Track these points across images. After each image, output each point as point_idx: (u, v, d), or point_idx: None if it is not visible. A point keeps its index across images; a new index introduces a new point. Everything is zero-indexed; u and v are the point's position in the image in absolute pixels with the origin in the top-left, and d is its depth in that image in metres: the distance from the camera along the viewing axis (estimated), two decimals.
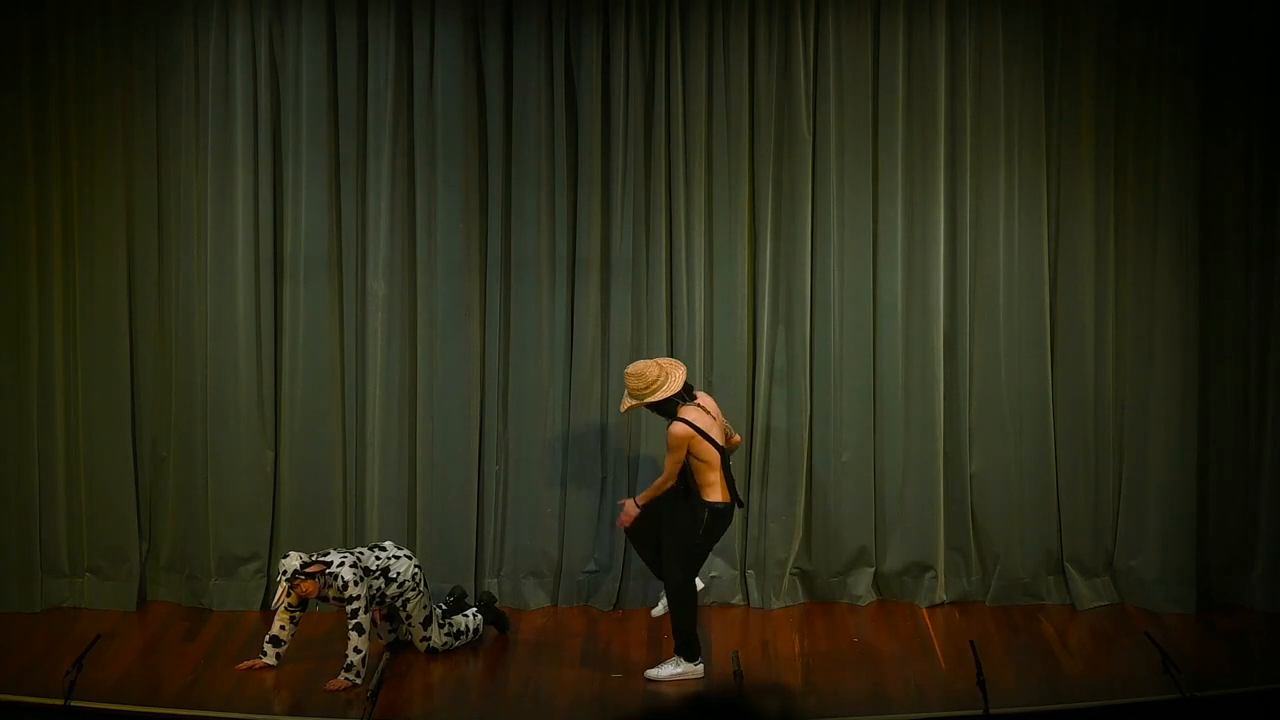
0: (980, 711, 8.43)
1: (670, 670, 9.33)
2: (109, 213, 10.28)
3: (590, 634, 9.90)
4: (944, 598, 10.46)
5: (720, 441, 9.24)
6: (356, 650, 9.21)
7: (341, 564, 9.28)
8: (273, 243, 10.37)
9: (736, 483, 9.57)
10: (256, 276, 10.33)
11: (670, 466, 9.21)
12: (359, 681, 9.15)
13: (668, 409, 9.25)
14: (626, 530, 9.51)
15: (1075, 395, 10.42)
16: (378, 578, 9.45)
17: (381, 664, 8.57)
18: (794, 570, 10.51)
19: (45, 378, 10.29)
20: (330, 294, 10.39)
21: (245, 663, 9.49)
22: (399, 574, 9.52)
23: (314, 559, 9.29)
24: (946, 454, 10.43)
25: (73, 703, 8.55)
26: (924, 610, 10.38)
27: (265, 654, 9.45)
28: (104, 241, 10.29)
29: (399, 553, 9.59)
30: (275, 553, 10.20)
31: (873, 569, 10.51)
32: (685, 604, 9.30)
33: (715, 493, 9.21)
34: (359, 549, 9.55)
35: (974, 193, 10.35)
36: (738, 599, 10.51)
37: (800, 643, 9.96)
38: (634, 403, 9.27)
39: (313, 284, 10.38)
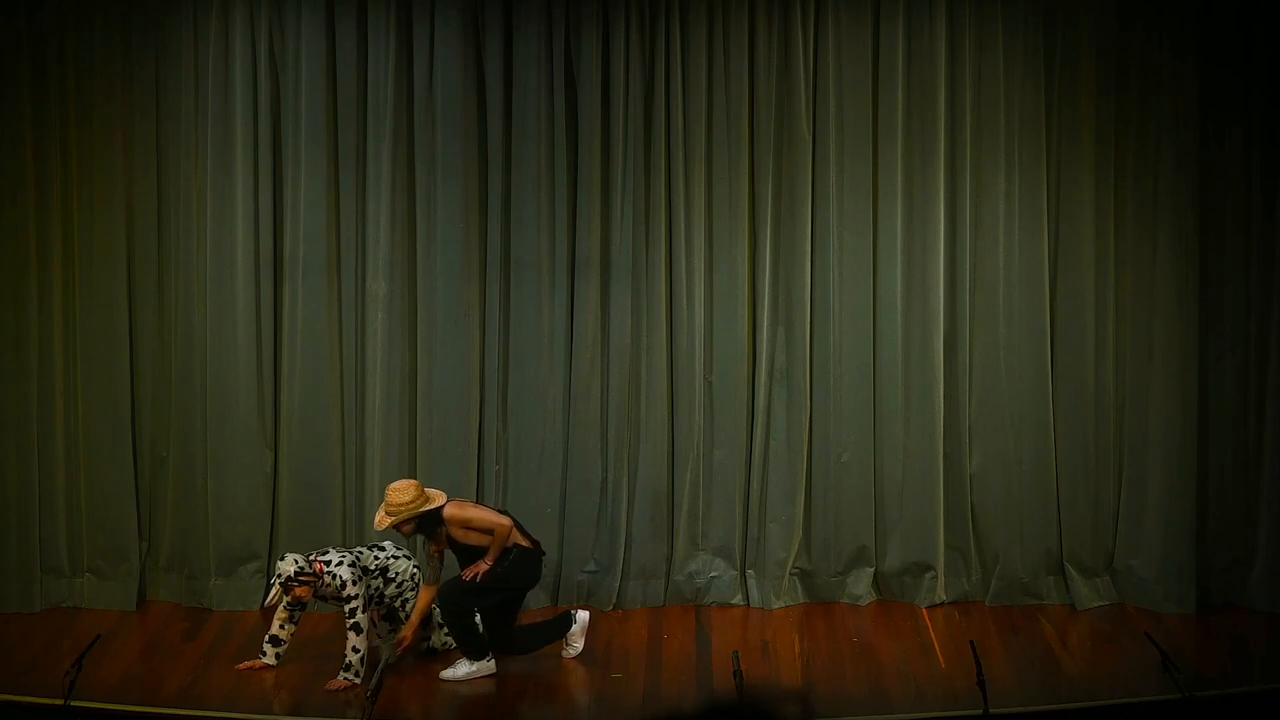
0: (980, 711, 8.42)
1: (464, 670, 9.36)
2: (109, 213, 10.28)
3: (590, 634, 9.88)
4: (944, 598, 10.46)
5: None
6: (355, 650, 9.21)
7: (340, 563, 9.28)
8: (273, 243, 10.37)
9: (548, 544, 9.78)
10: (256, 276, 10.33)
11: (491, 519, 9.32)
12: (358, 681, 9.15)
13: (431, 520, 9.28)
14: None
15: (1075, 395, 10.42)
16: (376, 577, 9.45)
17: (381, 664, 8.57)
18: (794, 570, 10.51)
19: (45, 378, 10.29)
20: (330, 294, 10.39)
21: (245, 663, 9.49)
22: (398, 574, 9.52)
23: (312, 560, 9.29)
24: (946, 454, 10.43)
25: (73, 703, 8.54)
26: (924, 610, 10.38)
27: (265, 654, 9.45)
28: (104, 241, 10.29)
29: (398, 552, 9.59)
30: (275, 553, 10.19)
31: (873, 569, 10.51)
32: (464, 614, 9.33)
33: (517, 543, 9.38)
34: (358, 548, 9.55)
35: (974, 193, 10.35)
36: (738, 599, 10.51)
37: (800, 643, 9.96)
38: (391, 519, 9.26)
39: (313, 284, 10.37)
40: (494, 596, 9.36)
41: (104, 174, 10.27)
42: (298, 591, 9.24)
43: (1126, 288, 10.39)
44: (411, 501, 9.24)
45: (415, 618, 9.40)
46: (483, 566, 9.28)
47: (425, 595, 9.43)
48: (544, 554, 9.61)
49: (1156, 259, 10.31)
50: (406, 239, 10.41)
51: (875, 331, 10.42)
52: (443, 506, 9.32)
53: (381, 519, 9.28)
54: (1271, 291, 10.24)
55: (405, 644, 9.34)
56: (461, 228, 10.38)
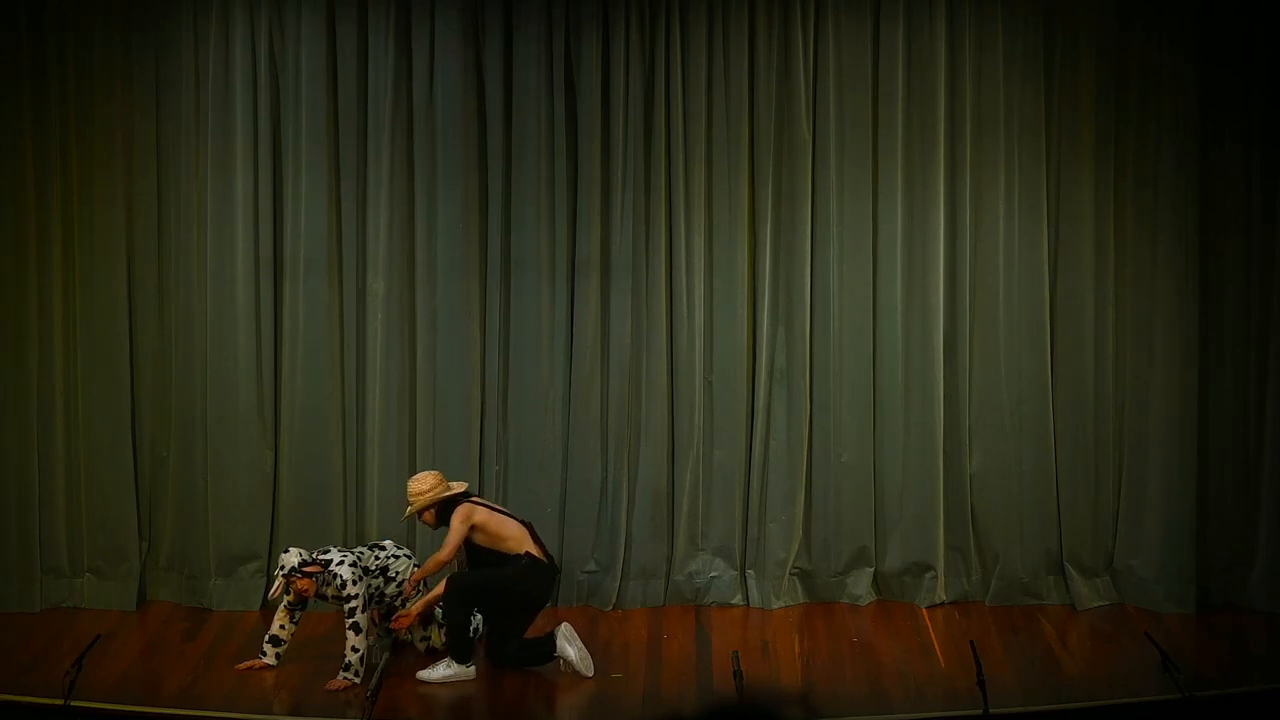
0: (980, 711, 8.42)
1: (442, 672, 9.34)
2: (109, 213, 10.28)
3: (590, 634, 9.89)
4: (944, 598, 10.46)
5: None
6: (354, 649, 9.21)
7: (340, 563, 9.29)
8: (273, 243, 10.37)
9: (548, 544, 9.69)
10: (256, 276, 10.33)
11: (451, 537, 9.32)
12: (358, 681, 9.15)
13: (449, 509, 9.35)
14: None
15: (1075, 395, 10.42)
16: (377, 576, 9.45)
17: (381, 664, 8.57)
18: (794, 570, 10.51)
19: (45, 378, 10.29)
20: (330, 294, 10.39)
21: (245, 663, 9.49)
22: (399, 573, 9.53)
23: (314, 558, 9.30)
24: (946, 454, 10.43)
25: (73, 703, 8.54)
26: (924, 610, 10.38)
27: (265, 654, 9.45)
28: (104, 242, 10.29)
29: (398, 552, 9.60)
30: (275, 552, 10.18)
31: (873, 569, 10.51)
32: (464, 609, 9.32)
33: (530, 552, 9.38)
34: (359, 548, 9.55)
35: (974, 194, 10.35)
36: (738, 599, 10.51)
37: (800, 643, 9.96)
38: (412, 508, 9.37)
39: (313, 284, 10.38)
40: (500, 601, 9.36)
41: (104, 174, 10.28)
42: (300, 584, 9.24)
43: (1126, 288, 10.39)
44: (429, 490, 9.33)
45: (421, 604, 9.38)
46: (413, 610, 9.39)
47: (428, 596, 9.46)
48: (557, 570, 9.59)
49: (1156, 259, 10.31)
50: (406, 239, 10.41)
51: (875, 331, 10.43)
52: (462, 495, 9.38)
53: (408, 510, 9.42)
54: (1272, 292, 10.24)
55: (405, 621, 9.34)
56: (461, 228, 10.39)
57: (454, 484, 9.50)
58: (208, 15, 10.21)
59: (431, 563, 9.45)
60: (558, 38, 10.27)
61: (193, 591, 10.43)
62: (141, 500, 10.46)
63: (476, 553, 9.40)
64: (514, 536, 9.38)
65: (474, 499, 9.52)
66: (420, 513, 9.42)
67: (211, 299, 10.33)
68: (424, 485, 9.40)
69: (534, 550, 9.39)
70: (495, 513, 9.50)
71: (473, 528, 9.36)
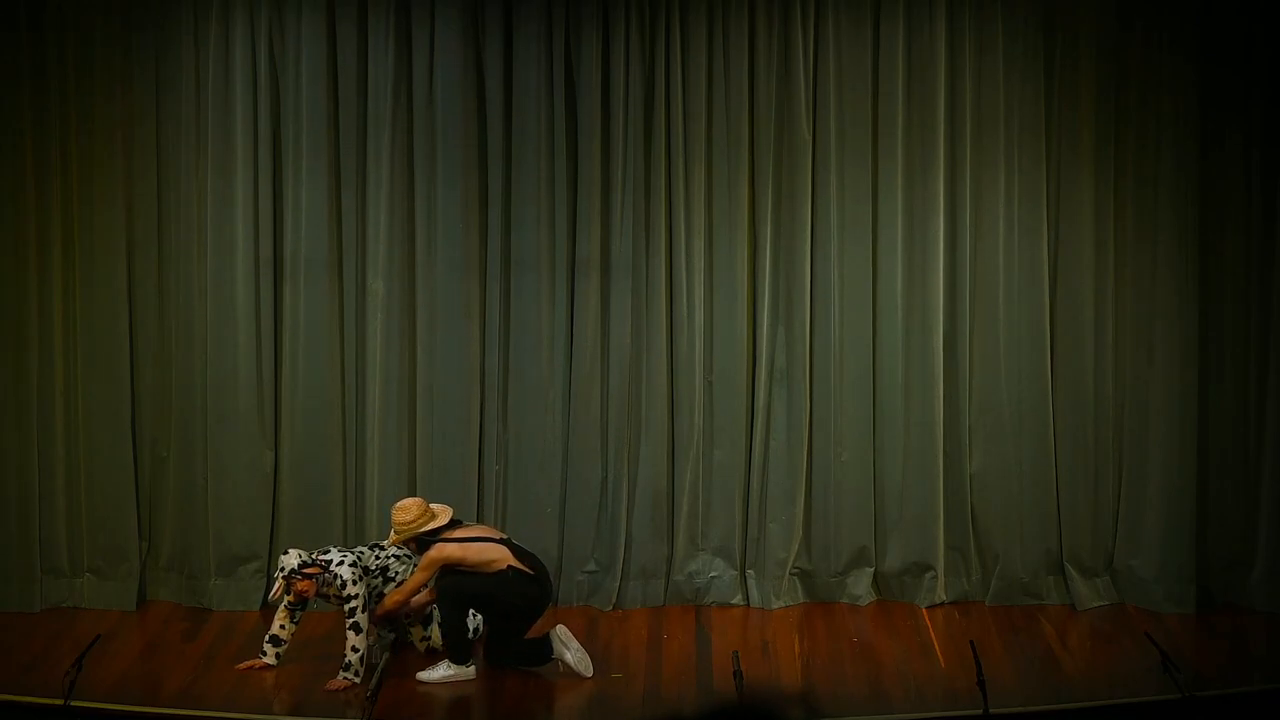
0: (980, 711, 8.43)
1: (441, 672, 9.34)
2: (109, 213, 10.28)
3: (590, 634, 9.90)
4: (944, 598, 10.46)
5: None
6: (355, 649, 9.21)
7: (340, 563, 9.29)
8: (273, 243, 10.38)
9: (547, 545, 9.77)
10: (256, 277, 10.33)
11: (413, 579, 9.35)
12: (358, 681, 9.15)
13: (429, 543, 9.35)
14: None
15: (1075, 395, 10.42)
16: (376, 577, 9.46)
17: (381, 664, 8.57)
18: (794, 570, 10.51)
19: (45, 378, 10.29)
20: (330, 294, 10.40)
21: (245, 663, 9.49)
22: (398, 574, 9.53)
23: (314, 558, 9.30)
24: (946, 454, 10.43)
25: (73, 703, 8.55)
26: (924, 610, 10.38)
27: (265, 653, 9.46)
28: (104, 242, 10.29)
29: (398, 552, 9.60)
30: (275, 552, 10.19)
31: (873, 569, 10.51)
32: (460, 610, 9.33)
33: (513, 565, 9.34)
34: (359, 548, 9.55)
35: (974, 194, 10.35)
36: (738, 599, 10.52)
37: (800, 643, 9.96)
38: (395, 537, 9.37)
39: (313, 284, 10.38)
40: (493, 606, 9.37)
41: (104, 175, 10.28)
42: (300, 585, 9.24)
43: (1126, 288, 10.39)
44: (413, 521, 9.31)
45: (402, 594, 9.38)
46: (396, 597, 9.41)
47: (424, 596, 9.46)
48: (546, 581, 9.51)
49: (1156, 259, 10.32)
50: (406, 239, 10.41)
51: (875, 331, 10.43)
52: (443, 527, 9.35)
53: (391, 537, 9.40)
54: (1272, 292, 10.24)
55: (384, 608, 9.34)
56: (461, 228, 10.39)
57: (438, 508, 9.42)
58: (208, 15, 10.22)
59: (389, 600, 9.41)
60: (558, 38, 10.27)
61: (193, 591, 10.43)
62: (141, 500, 10.46)
63: (463, 573, 9.39)
64: (496, 559, 9.34)
65: (448, 536, 9.37)
66: (405, 541, 9.42)
67: (211, 299, 10.33)
68: (407, 515, 9.33)
69: (517, 565, 9.36)
70: (471, 543, 9.37)
71: (450, 563, 9.32)
